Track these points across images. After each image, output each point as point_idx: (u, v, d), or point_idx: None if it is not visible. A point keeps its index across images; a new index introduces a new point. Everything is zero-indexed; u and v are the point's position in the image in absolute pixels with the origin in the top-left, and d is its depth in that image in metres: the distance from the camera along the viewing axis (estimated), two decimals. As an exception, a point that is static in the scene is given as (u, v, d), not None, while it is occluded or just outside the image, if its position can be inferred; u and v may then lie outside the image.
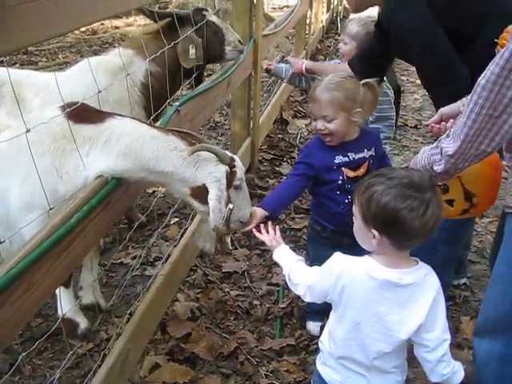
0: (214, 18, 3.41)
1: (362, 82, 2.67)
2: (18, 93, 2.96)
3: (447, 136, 1.91)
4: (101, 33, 10.40)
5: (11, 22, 1.36)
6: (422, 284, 1.77)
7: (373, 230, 1.73)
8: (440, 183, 2.10)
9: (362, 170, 2.68)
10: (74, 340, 2.88)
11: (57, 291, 2.61)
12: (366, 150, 2.70)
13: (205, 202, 2.21)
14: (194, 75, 3.42)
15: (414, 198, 1.65)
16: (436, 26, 2.57)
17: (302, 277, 1.97)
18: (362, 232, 1.80)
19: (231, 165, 2.28)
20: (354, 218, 1.85)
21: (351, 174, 2.66)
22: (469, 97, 1.80)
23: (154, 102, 2.93)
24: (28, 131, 1.72)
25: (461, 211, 2.24)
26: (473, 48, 2.53)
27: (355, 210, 1.81)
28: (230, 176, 2.26)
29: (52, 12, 1.54)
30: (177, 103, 2.74)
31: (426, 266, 1.82)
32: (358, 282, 1.78)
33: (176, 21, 3.16)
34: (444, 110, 2.24)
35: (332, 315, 1.96)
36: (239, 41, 3.53)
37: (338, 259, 1.85)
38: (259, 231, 2.30)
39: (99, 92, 2.28)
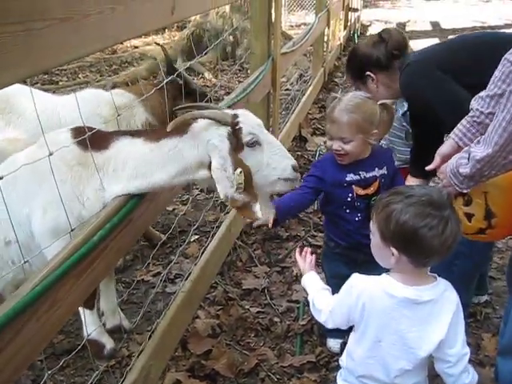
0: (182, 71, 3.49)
1: (378, 103, 2.70)
2: (15, 105, 3.03)
3: (478, 142, 1.91)
4: (120, 52, 10.54)
5: (37, 45, 1.39)
6: (442, 300, 1.78)
7: (391, 248, 1.73)
8: (465, 192, 2.07)
9: (372, 189, 2.68)
10: (100, 361, 2.90)
11: (81, 313, 2.66)
12: (377, 169, 2.70)
13: None
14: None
15: (434, 216, 1.66)
16: (454, 89, 2.58)
17: (324, 304, 1.97)
18: (380, 249, 1.80)
19: (233, 123, 2.12)
20: (371, 235, 1.85)
21: (361, 191, 2.67)
22: (501, 101, 1.80)
23: None
24: (51, 154, 1.75)
25: (477, 229, 2.21)
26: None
27: (373, 227, 1.81)
28: (235, 135, 2.11)
29: (76, 34, 1.57)
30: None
31: (445, 282, 1.82)
32: (377, 299, 1.78)
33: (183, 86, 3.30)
34: (442, 150, 2.23)
35: (352, 336, 1.96)
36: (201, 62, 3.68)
37: (357, 279, 1.85)
38: (300, 253, 2.26)
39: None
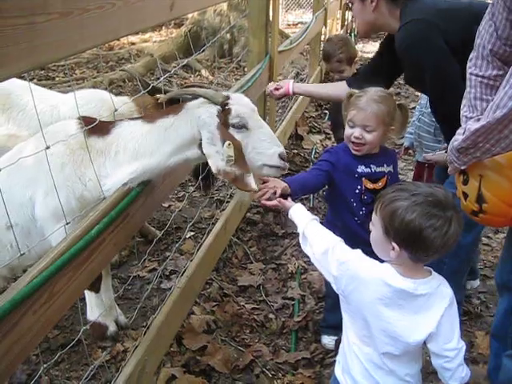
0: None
1: (396, 103, 2.73)
2: (16, 101, 3.03)
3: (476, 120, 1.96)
4: (117, 49, 10.52)
5: (36, 39, 1.40)
6: (436, 294, 1.79)
7: (393, 243, 1.75)
8: (463, 168, 2.12)
9: (380, 184, 2.71)
10: (103, 342, 2.92)
11: (86, 296, 2.67)
12: (385, 165, 2.73)
13: None
14: (200, 177, 3.40)
15: (439, 217, 1.67)
16: (450, 60, 2.62)
17: (316, 241, 1.98)
18: (380, 242, 1.81)
19: (223, 103, 2.18)
20: (371, 227, 1.87)
21: (370, 185, 2.69)
22: (506, 77, 1.83)
23: None
24: (48, 148, 1.76)
25: (471, 210, 2.22)
26: None
27: (376, 219, 1.82)
28: (223, 115, 2.17)
29: (77, 29, 1.58)
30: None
31: (439, 277, 1.84)
32: (373, 285, 1.79)
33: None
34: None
35: (345, 317, 1.97)
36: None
37: (357, 260, 1.86)
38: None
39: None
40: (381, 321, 1.79)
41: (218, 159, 2.08)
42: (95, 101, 3.05)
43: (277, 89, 3.66)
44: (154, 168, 2.23)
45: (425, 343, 1.83)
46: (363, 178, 2.69)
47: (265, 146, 2.23)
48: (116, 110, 2.36)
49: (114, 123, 2.30)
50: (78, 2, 1.58)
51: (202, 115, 2.14)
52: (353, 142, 2.66)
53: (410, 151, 4.49)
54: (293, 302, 3.51)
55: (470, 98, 2.19)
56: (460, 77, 2.49)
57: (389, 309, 1.78)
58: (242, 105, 2.22)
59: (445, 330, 1.79)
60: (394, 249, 1.75)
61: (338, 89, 3.46)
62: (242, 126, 2.19)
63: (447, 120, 2.71)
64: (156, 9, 2.14)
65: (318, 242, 1.97)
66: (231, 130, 2.18)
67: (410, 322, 1.79)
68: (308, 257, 3.84)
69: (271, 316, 3.38)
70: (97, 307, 2.81)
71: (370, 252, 1.92)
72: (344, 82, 3.46)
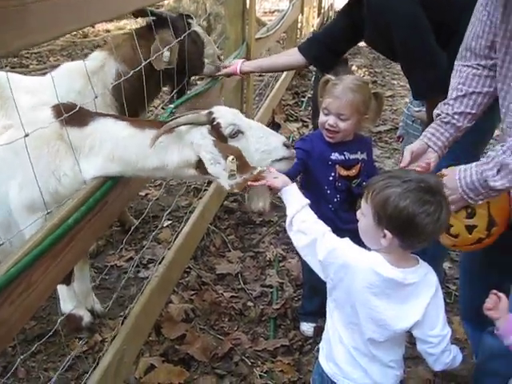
0: (197, 29, 3.31)
1: (372, 91, 2.74)
2: (3, 94, 2.95)
3: (505, 152, 1.87)
4: (92, 36, 10.39)
5: (29, 19, 1.38)
6: (423, 282, 1.80)
7: (385, 231, 1.74)
8: (473, 203, 2.05)
9: (354, 171, 2.72)
10: (79, 333, 2.89)
11: (58, 289, 2.64)
12: (359, 153, 2.75)
13: None
14: (174, 91, 3.28)
15: (431, 203, 1.68)
16: (422, 14, 2.63)
17: (306, 229, 1.92)
18: (371, 230, 1.80)
19: (210, 120, 2.14)
20: (360, 216, 1.86)
21: (344, 172, 2.71)
22: None
23: (127, 104, 2.82)
24: (27, 135, 1.72)
25: (476, 240, 2.19)
26: (452, 42, 2.58)
27: (366, 208, 1.81)
28: (215, 131, 2.13)
29: (64, 10, 1.55)
30: (171, 106, 2.74)
31: (426, 265, 1.85)
32: (361, 274, 1.78)
33: (156, 22, 3.12)
34: (413, 146, 2.25)
35: (329, 304, 1.97)
36: (218, 57, 3.44)
37: (346, 248, 1.84)
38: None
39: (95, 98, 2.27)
40: (369, 309, 1.79)
41: (226, 176, 2.04)
42: (67, 75, 2.95)
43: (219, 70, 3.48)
44: (133, 174, 2.19)
45: (409, 329, 1.84)
46: (337, 165, 2.71)
47: (265, 142, 2.16)
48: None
49: (95, 116, 2.22)
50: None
51: (195, 140, 2.11)
52: (327, 130, 2.68)
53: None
54: (271, 290, 3.52)
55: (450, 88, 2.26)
56: (430, 30, 2.60)
57: (377, 298, 1.78)
58: (225, 113, 2.18)
59: (430, 318, 1.80)
60: (385, 236, 1.74)
61: (291, 57, 3.43)
62: (238, 132, 2.14)
63: (415, 71, 2.78)
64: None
65: (307, 229, 1.92)
66: (230, 142, 2.13)
67: (398, 310, 1.79)
68: (286, 244, 3.92)
69: (250, 304, 3.38)
70: (69, 299, 2.77)
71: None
72: (296, 47, 3.42)
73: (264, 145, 2.16)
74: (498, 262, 2.33)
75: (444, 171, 2.09)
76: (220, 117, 2.14)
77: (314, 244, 1.88)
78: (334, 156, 2.70)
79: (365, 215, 1.82)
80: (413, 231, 1.71)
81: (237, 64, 3.45)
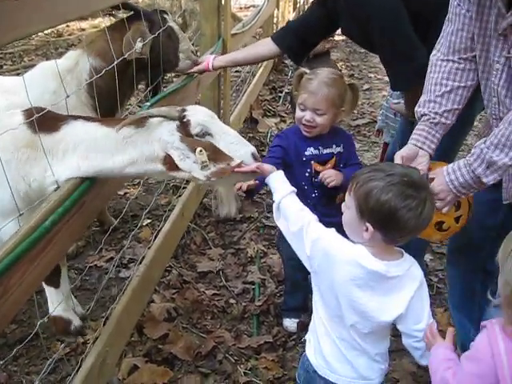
0: (172, 24, 3.27)
1: (347, 83, 2.74)
2: None
3: (489, 148, 1.89)
4: (66, 35, 10.27)
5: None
6: (407, 276, 1.79)
7: (367, 224, 1.73)
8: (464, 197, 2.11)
9: (329, 166, 2.73)
10: (68, 337, 2.86)
11: (46, 291, 2.61)
12: (334, 146, 2.76)
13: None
14: (149, 88, 3.25)
15: (414, 198, 1.67)
16: (401, 5, 2.64)
17: (292, 216, 1.94)
18: (353, 223, 1.80)
19: (180, 117, 2.13)
20: (344, 208, 1.86)
21: (319, 168, 2.71)
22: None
23: (102, 101, 2.82)
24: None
25: (462, 225, 2.25)
26: (430, 34, 2.59)
27: (349, 200, 1.81)
28: (184, 128, 2.11)
29: (36, 8, 1.52)
30: (147, 103, 2.72)
31: (410, 258, 1.84)
32: (345, 265, 1.77)
33: (132, 16, 3.08)
34: (402, 152, 2.25)
35: (315, 295, 1.96)
36: (193, 52, 3.42)
37: (331, 239, 1.83)
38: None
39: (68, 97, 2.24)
40: (351, 301, 1.79)
41: (197, 168, 2.03)
42: (41, 75, 2.91)
43: (197, 64, 3.39)
44: (106, 173, 2.16)
45: (394, 323, 1.84)
46: (312, 162, 2.71)
47: (234, 148, 2.15)
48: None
49: (65, 119, 2.19)
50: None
51: (163, 135, 2.09)
52: (304, 125, 2.68)
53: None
54: (253, 287, 3.51)
55: (431, 82, 2.25)
56: (408, 21, 2.62)
57: (360, 289, 1.77)
58: (199, 113, 2.17)
59: (414, 311, 1.80)
60: (367, 230, 1.74)
61: (264, 47, 3.40)
62: (205, 134, 2.13)
63: (393, 63, 2.80)
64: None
65: (293, 217, 1.93)
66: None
67: (381, 303, 1.78)
68: (267, 240, 3.91)
69: (232, 301, 3.37)
70: (58, 302, 2.74)
71: None
72: (269, 38, 3.40)
73: (232, 151, 2.13)
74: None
75: (430, 175, 2.09)
76: (191, 115, 2.13)
77: (300, 233, 1.88)
78: (309, 151, 2.71)
79: (348, 208, 1.82)
80: (394, 225, 1.71)
81: (208, 60, 3.37)
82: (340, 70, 5.38)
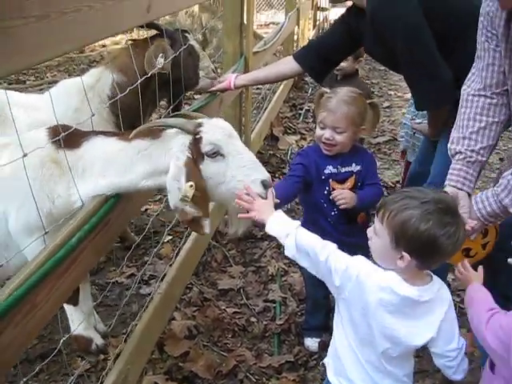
0: (193, 42, 3.30)
1: (367, 102, 2.74)
2: (8, 114, 2.94)
3: None
4: (88, 51, 10.39)
5: (13, 44, 1.36)
6: (437, 299, 1.80)
7: (403, 253, 1.72)
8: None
9: (348, 184, 2.73)
10: (89, 356, 2.84)
11: (66, 310, 2.61)
12: (354, 165, 2.75)
13: None
14: (171, 106, 3.25)
15: (452, 225, 1.69)
16: (426, 25, 2.63)
17: (311, 246, 1.87)
18: (386, 251, 1.78)
19: (195, 132, 2.06)
20: (373, 235, 1.84)
21: (337, 186, 2.71)
22: None
23: (123, 117, 2.82)
24: (25, 155, 1.70)
25: (488, 253, 2.29)
26: (454, 54, 2.59)
27: (381, 229, 1.78)
28: (195, 144, 2.05)
29: (55, 33, 1.54)
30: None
31: (438, 280, 1.84)
32: (377, 292, 1.77)
33: (155, 34, 3.12)
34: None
35: (343, 321, 1.93)
36: (213, 70, 3.42)
37: (361, 267, 1.82)
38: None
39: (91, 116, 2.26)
40: (383, 327, 1.78)
41: (177, 196, 1.99)
42: (65, 92, 2.95)
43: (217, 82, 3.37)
44: (123, 188, 2.15)
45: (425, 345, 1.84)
46: (330, 180, 2.71)
47: (245, 172, 2.07)
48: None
49: (87, 135, 2.19)
50: (54, 5, 1.53)
51: (174, 147, 2.06)
52: (324, 143, 2.69)
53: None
54: (274, 305, 3.49)
55: (464, 118, 2.25)
56: (433, 40, 2.60)
57: (392, 316, 1.77)
58: (215, 131, 2.09)
59: (446, 333, 1.80)
60: (402, 258, 1.73)
61: (286, 66, 3.40)
62: (217, 154, 2.06)
63: (419, 82, 2.76)
64: (133, 11, 2.10)
65: (313, 251, 1.86)
66: (206, 160, 2.06)
67: (413, 327, 1.78)
68: (288, 259, 3.87)
69: (253, 319, 3.36)
70: (78, 320, 2.74)
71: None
72: (291, 55, 3.40)
73: (243, 175, 2.08)
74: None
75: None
76: (206, 132, 2.06)
77: (326, 265, 1.84)
78: (328, 170, 2.71)
79: (379, 236, 1.80)
80: (434, 253, 1.72)
81: (230, 78, 3.38)
82: (372, 92, 5.41)
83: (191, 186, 1.95)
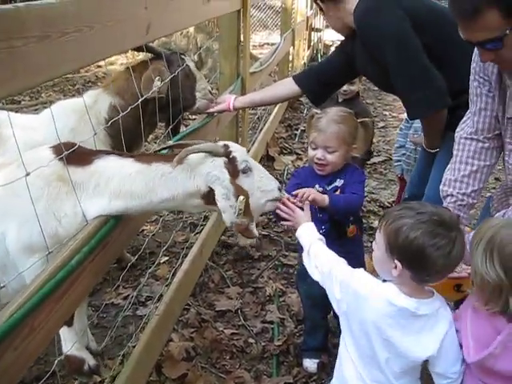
0: (190, 64, 3.32)
1: (358, 120, 2.74)
2: (1, 134, 2.94)
3: None
4: (83, 72, 10.41)
5: (17, 64, 1.36)
6: (436, 316, 1.79)
7: (396, 261, 1.74)
8: None
9: None
10: (81, 377, 2.81)
11: (60, 330, 2.58)
12: (338, 180, 2.74)
13: None
14: (170, 126, 3.26)
15: (443, 237, 1.69)
16: (411, 31, 2.65)
17: (320, 258, 2.02)
18: (383, 260, 1.81)
19: (227, 153, 2.19)
20: (374, 245, 1.88)
21: None
22: None
23: (120, 139, 2.78)
24: (28, 174, 1.70)
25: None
26: (444, 61, 2.62)
27: (379, 237, 1.82)
28: (231, 164, 2.18)
29: (56, 53, 1.54)
30: (170, 142, 2.73)
31: (440, 298, 1.84)
32: (375, 304, 1.79)
33: (152, 57, 3.14)
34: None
35: (345, 339, 1.95)
36: (209, 91, 3.44)
37: (359, 279, 1.86)
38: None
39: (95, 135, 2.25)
40: (384, 340, 1.79)
41: (231, 213, 2.13)
42: (62, 113, 2.96)
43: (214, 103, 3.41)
44: (138, 210, 2.19)
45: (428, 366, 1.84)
46: None
47: (266, 182, 2.27)
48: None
49: (98, 154, 2.20)
50: (55, 25, 1.54)
51: (213, 171, 2.15)
52: (316, 163, 2.70)
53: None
54: (272, 326, 3.47)
55: (456, 160, 2.30)
56: (421, 49, 2.61)
57: (391, 328, 1.77)
58: (239, 149, 2.24)
59: (448, 353, 1.80)
60: (395, 267, 1.75)
61: (285, 87, 3.43)
62: (248, 169, 2.20)
63: (410, 92, 2.75)
64: (132, 32, 2.12)
65: (321, 262, 2.00)
66: (241, 176, 2.19)
67: (413, 341, 1.78)
68: (286, 279, 3.88)
69: (251, 341, 3.33)
70: (71, 341, 2.71)
71: None
72: (290, 77, 3.43)
73: (265, 184, 2.26)
74: None
75: None
76: (235, 151, 2.20)
77: (329, 277, 1.92)
78: (315, 189, 2.68)
79: (378, 245, 1.84)
80: (423, 263, 1.72)
81: (229, 100, 3.40)
82: (371, 113, 5.44)
83: (243, 199, 2.11)
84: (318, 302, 2.79)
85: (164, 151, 2.56)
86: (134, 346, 2.82)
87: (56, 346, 2.68)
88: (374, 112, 8.56)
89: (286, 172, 5.98)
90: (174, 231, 4.28)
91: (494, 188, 5.17)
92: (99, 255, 1.98)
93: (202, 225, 4.35)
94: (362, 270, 1.90)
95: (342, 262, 1.95)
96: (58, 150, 2.11)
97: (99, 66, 10.78)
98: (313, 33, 11.99)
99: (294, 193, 2.50)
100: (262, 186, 2.25)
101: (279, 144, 6.84)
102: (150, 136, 3.92)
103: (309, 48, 11.41)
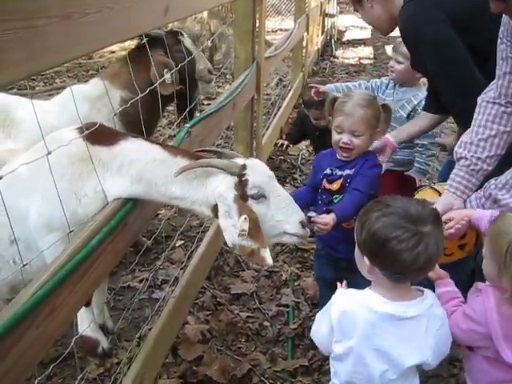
0: (187, 43, 3.31)
1: (380, 104, 2.72)
2: (13, 117, 2.97)
3: (497, 185, 1.99)
4: (97, 57, 10.42)
5: (38, 43, 1.36)
6: (427, 316, 1.74)
7: (365, 258, 1.70)
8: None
9: (335, 186, 2.69)
10: (94, 358, 2.83)
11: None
12: (347, 170, 2.68)
13: None
14: (187, 109, 3.25)
15: (406, 230, 1.61)
16: (455, 37, 2.57)
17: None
18: (358, 258, 1.78)
19: (240, 174, 2.12)
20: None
21: (327, 185, 2.70)
22: None
23: (134, 127, 2.86)
24: (49, 153, 1.71)
25: (468, 252, 2.31)
26: (487, 66, 2.54)
27: (355, 234, 1.79)
28: (241, 186, 2.11)
29: (76, 33, 1.54)
30: (187, 125, 2.73)
31: (432, 296, 1.80)
32: (359, 315, 1.73)
33: (147, 42, 3.14)
34: (443, 207, 2.21)
35: (335, 355, 1.89)
36: (209, 70, 3.41)
37: (337, 297, 1.82)
38: None
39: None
40: (374, 350, 1.73)
41: (233, 233, 2.04)
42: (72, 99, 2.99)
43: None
44: (155, 198, 2.18)
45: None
46: (324, 179, 2.72)
47: (285, 213, 2.16)
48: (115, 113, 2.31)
49: (124, 135, 2.20)
50: (76, 6, 1.54)
51: (220, 187, 2.09)
52: (341, 148, 2.65)
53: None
54: (287, 309, 3.48)
55: (475, 124, 2.22)
56: (465, 54, 2.51)
57: (380, 338, 1.72)
58: (258, 173, 2.15)
59: (440, 350, 1.77)
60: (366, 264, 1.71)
61: (428, 121, 3.19)
62: (261, 196, 2.12)
63: (458, 98, 2.65)
64: (151, 13, 2.11)
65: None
66: (250, 201, 2.11)
67: (404, 349, 1.73)
68: (301, 263, 3.89)
69: (266, 324, 3.35)
70: (87, 321, 2.73)
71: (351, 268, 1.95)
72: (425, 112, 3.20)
73: (282, 215, 2.15)
74: None
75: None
76: (251, 174, 2.11)
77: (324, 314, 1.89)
78: (326, 171, 2.71)
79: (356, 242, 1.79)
80: (386, 257, 1.65)
81: (388, 140, 3.10)
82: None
83: (245, 218, 2.01)
84: (329, 284, 2.76)
85: (182, 134, 2.58)
86: (150, 329, 2.84)
87: (74, 328, 2.71)
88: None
89: (300, 157, 5.96)
90: (189, 215, 4.29)
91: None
92: (119, 236, 2.00)
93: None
94: (339, 290, 1.88)
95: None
96: (82, 131, 2.13)
97: (113, 52, 10.79)
98: (326, 18, 11.92)
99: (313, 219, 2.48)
100: (279, 216, 2.15)
101: (293, 129, 6.80)
102: (165, 121, 3.94)
103: (322, 34, 11.35)
